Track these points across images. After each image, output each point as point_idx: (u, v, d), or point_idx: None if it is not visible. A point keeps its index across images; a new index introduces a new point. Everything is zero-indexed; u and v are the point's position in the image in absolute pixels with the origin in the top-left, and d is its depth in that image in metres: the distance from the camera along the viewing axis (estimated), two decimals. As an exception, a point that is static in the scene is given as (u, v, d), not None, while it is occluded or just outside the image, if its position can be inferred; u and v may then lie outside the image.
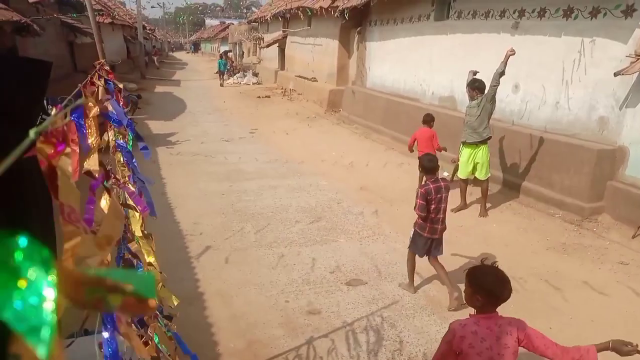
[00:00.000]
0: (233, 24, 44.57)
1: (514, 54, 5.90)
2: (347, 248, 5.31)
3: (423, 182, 4.32)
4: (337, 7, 13.86)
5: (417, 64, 10.69)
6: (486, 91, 6.13)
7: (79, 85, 1.81)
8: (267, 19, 22.93)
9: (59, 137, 0.86)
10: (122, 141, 2.36)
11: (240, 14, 56.75)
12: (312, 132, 12.20)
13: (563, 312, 4.11)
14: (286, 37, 21.11)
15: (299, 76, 18.59)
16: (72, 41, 15.95)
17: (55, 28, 13.84)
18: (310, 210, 6.41)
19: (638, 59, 5.76)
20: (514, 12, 7.75)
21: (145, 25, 36.88)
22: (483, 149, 6.26)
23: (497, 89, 6.06)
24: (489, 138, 6.26)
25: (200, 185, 7.50)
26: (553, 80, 7.06)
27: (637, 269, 4.90)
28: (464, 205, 6.58)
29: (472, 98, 6.29)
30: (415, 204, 4.18)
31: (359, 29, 13.76)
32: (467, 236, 5.71)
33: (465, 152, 6.36)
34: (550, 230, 5.88)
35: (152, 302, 0.40)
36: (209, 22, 67.54)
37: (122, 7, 38.93)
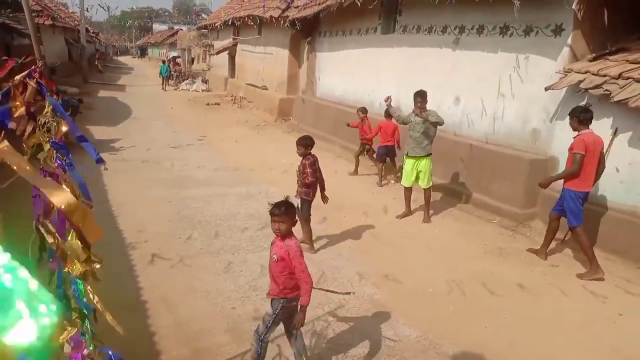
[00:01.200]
0: (182, 29, 43.85)
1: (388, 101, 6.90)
2: (295, 254, 5.34)
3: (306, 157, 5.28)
4: (288, 17, 14.01)
5: (365, 75, 10.98)
6: (428, 110, 6.37)
7: (9, 83, 1.76)
8: (218, 26, 22.74)
9: None
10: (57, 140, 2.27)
11: (189, 20, 55.79)
12: (262, 140, 12.18)
13: (498, 312, 4.34)
14: (236, 44, 21.02)
15: (250, 84, 18.54)
16: (9, 43, 15.10)
17: (-11, 28, 13.06)
18: (259, 217, 6.39)
19: (566, 74, 6.22)
20: (454, 28, 8.16)
21: (89, 28, 35.51)
22: (426, 160, 6.49)
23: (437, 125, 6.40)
24: (430, 154, 6.51)
25: (145, 193, 7.30)
26: (491, 93, 7.47)
27: (566, 270, 5.25)
28: (408, 212, 6.79)
29: (416, 113, 6.47)
30: (307, 174, 5.17)
31: (309, 39, 13.95)
32: (411, 241, 5.91)
33: (409, 162, 6.57)
34: (488, 236, 6.19)
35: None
36: (157, 27, 65.91)
37: (64, 9, 37.28)
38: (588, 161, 4.99)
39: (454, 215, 6.96)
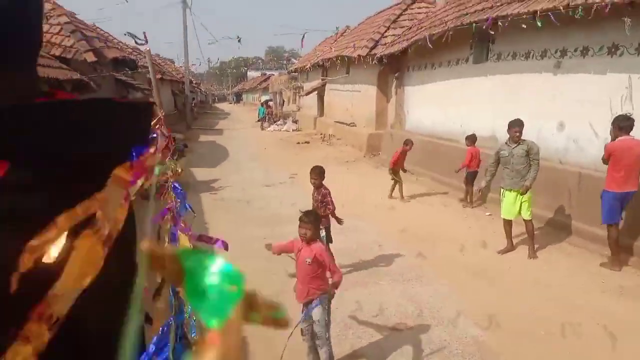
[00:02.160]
0: (274, 74, 46.46)
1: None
2: (390, 291, 5.17)
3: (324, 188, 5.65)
4: (375, 54, 14.24)
5: (456, 105, 10.69)
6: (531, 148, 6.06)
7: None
8: (307, 69, 23.76)
9: (140, 170, 0.88)
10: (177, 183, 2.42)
11: (280, 65, 59.14)
12: (352, 176, 12.23)
13: (623, 358, 3.78)
14: (325, 84, 21.72)
15: (338, 122, 18.93)
16: (125, 96, 17.02)
17: (110, 84, 14.83)
18: (352, 253, 6.32)
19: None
20: (555, 52, 7.69)
21: (191, 79, 39.00)
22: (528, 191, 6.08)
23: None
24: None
25: (241, 231, 7.59)
26: (600, 117, 6.85)
27: None
28: (511, 247, 6.31)
29: (515, 141, 6.14)
30: (330, 203, 5.60)
31: (396, 74, 14.00)
32: (516, 279, 5.45)
33: (510, 194, 6.17)
34: (605, 273, 5.52)
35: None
36: (251, 74, 70.63)
37: (170, 64, 41.49)
38: (615, 165, 5.48)
39: (564, 250, 6.34)
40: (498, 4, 8.71)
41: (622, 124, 5.52)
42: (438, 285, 5.27)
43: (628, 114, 5.71)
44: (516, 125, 6.16)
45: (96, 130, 0.85)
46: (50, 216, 0.57)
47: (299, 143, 19.45)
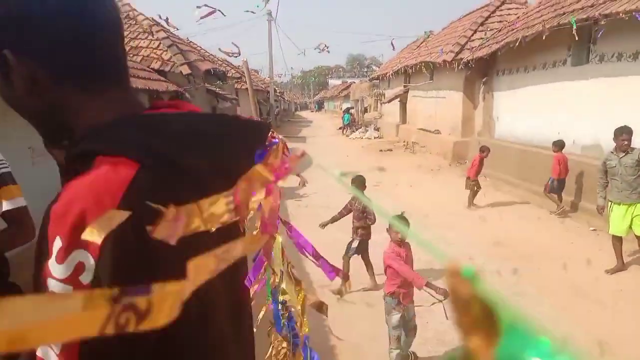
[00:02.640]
0: (354, 82, 46.68)
1: None
2: (483, 308, 4.93)
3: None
4: (462, 59, 13.79)
5: (553, 111, 10.01)
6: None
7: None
8: (388, 76, 23.59)
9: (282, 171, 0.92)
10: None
11: (361, 73, 59.37)
12: (437, 185, 11.91)
13: None
14: (407, 91, 21.42)
15: (421, 129, 18.55)
16: (215, 106, 18.03)
17: (202, 95, 15.80)
18: (436, 264, 6.13)
19: None
20: (670, 51, 6.96)
21: (275, 88, 40.39)
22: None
23: None
24: None
25: (326, 237, 7.66)
26: None
27: None
28: (621, 266, 5.76)
29: (623, 150, 5.65)
30: (371, 214, 5.47)
31: (484, 79, 13.44)
32: (629, 302, 4.96)
33: (620, 208, 5.66)
34: None
35: None
36: (332, 82, 71.56)
37: (256, 74, 43.30)
38: None
39: (686, 273, 5.67)
40: (600, 2, 8.06)
41: None
42: (539, 306, 4.94)
43: None
44: (624, 133, 5.66)
45: (224, 141, 0.92)
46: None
47: (381, 150, 19.33)
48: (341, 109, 38.46)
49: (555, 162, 8.40)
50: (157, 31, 12.65)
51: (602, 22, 7.63)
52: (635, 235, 5.64)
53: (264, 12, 28.37)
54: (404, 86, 21.74)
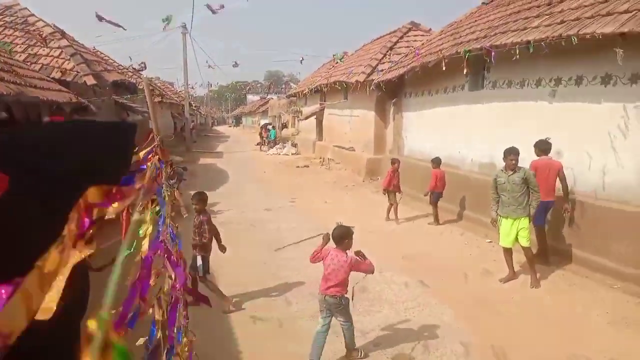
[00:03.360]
0: (273, 98, 46.88)
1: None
2: (391, 319, 5.15)
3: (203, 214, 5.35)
4: (373, 80, 14.46)
5: (454, 132, 10.81)
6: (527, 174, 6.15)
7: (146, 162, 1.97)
8: (306, 93, 24.04)
9: (116, 197, 0.95)
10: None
11: (279, 90, 59.77)
12: (351, 201, 12.27)
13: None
14: (324, 109, 21.95)
15: (337, 146, 19.07)
16: (124, 119, 17.16)
17: (109, 107, 14.96)
18: (352, 280, 6.29)
19: (686, 122, 5.63)
20: (550, 81, 7.84)
21: (191, 102, 39.33)
22: (526, 219, 6.11)
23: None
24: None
25: (242, 254, 7.57)
26: (598, 146, 6.94)
27: None
28: (512, 275, 6.31)
29: (511, 169, 6.21)
30: (207, 232, 5.33)
31: (394, 100, 14.19)
32: (520, 309, 5.44)
33: (507, 222, 6.20)
34: (610, 303, 5.52)
35: None
36: (250, 97, 71.20)
37: (170, 87, 41.91)
38: (541, 178, 6.46)
39: (567, 279, 6.34)
40: (492, 34, 8.91)
41: (542, 147, 6.87)
42: (442, 315, 5.25)
43: (547, 139, 6.95)
44: (512, 153, 6.24)
45: (72, 148, 0.97)
46: (42, 230, 0.68)
47: (298, 167, 19.54)
48: (259, 124, 38.37)
49: (433, 177, 9.48)
50: (59, 39, 11.84)
51: (493, 53, 8.42)
52: (522, 247, 6.21)
53: (178, 24, 27.62)
54: (320, 104, 22.26)
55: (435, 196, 9.55)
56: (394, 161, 10.26)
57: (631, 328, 4.90)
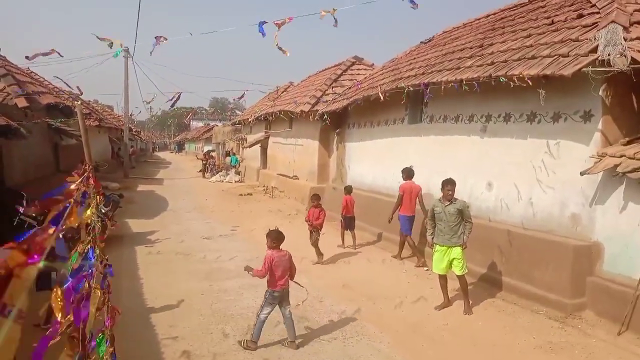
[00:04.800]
0: (217, 125, 46.44)
1: None
2: (330, 350, 5.10)
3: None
4: (317, 110, 14.72)
5: (394, 163, 11.14)
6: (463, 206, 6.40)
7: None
8: (251, 121, 24.02)
9: (37, 250, 0.90)
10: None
11: (224, 117, 59.36)
12: (293, 230, 12.19)
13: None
14: (268, 137, 21.99)
15: (281, 174, 19.07)
16: (57, 143, 16.29)
17: (42, 131, 14.18)
18: (292, 309, 6.20)
19: (600, 159, 6.13)
20: (481, 117, 8.34)
21: (132, 127, 38.11)
22: (459, 247, 6.32)
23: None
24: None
25: (178, 285, 7.28)
26: (524, 178, 7.41)
27: None
28: (447, 303, 6.48)
29: (447, 199, 6.45)
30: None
31: (338, 130, 14.50)
32: (453, 335, 5.57)
33: (441, 250, 6.41)
34: (536, 328, 5.78)
35: None
36: (194, 123, 70.19)
37: (109, 110, 40.48)
38: (406, 198, 8.87)
39: (497, 306, 6.59)
40: (429, 71, 9.41)
41: (408, 173, 9.11)
42: (379, 344, 5.27)
43: (411, 167, 9.24)
44: (449, 184, 6.50)
45: None
46: None
47: (241, 195, 19.29)
48: (202, 151, 37.72)
49: (344, 203, 10.20)
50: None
51: (428, 90, 8.87)
52: (456, 275, 6.42)
53: (120, 49, 26.96)
54: (265, 132, 22.30)
55: (349, 221, 10.19)
56: (349, 189, 10.60)
57: (555, 352, 5.15)
